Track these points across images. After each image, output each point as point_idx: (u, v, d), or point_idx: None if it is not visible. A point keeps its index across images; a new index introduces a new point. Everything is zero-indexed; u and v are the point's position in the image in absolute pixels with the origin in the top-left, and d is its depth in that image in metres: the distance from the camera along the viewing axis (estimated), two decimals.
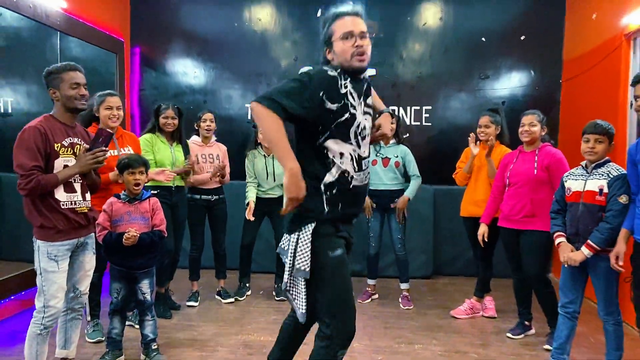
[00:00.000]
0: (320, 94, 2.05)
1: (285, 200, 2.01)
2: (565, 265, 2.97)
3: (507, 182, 3.69)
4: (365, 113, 2.23)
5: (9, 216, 4.21)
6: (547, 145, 3.64)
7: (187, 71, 5.94)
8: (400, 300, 4.48)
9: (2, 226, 4.18)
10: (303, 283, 2.12)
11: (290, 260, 2.12)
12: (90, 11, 4.94)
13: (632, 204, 2.74)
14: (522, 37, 5.58)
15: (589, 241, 2.82)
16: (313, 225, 2.09)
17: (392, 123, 4.33)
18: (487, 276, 4.21)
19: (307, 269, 2.07)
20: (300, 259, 2.09)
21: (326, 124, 2.08)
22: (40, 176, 2.53)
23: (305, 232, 2.09)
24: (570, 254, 2.91)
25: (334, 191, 2.11)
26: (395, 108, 5.69)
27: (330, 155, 2.11)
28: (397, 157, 4.37)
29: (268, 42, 5.87)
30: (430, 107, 5.76)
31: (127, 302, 3.15)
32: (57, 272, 2.64)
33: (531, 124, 3.60)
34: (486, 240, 3.83)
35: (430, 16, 5.74)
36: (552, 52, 5.57)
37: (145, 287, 3.14)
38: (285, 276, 2.17)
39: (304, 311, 2.13)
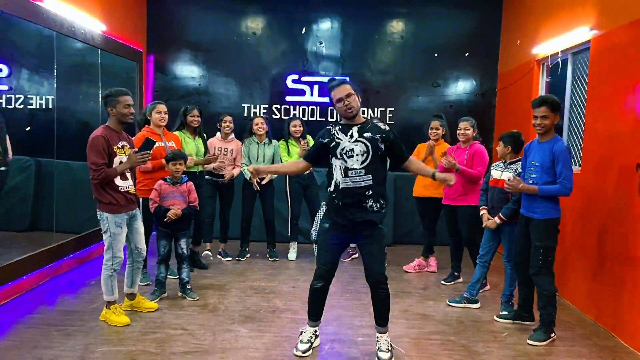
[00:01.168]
0: (320, 139, 3.43)
1: None
2: (483, 225, 4.34)
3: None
4: (356, 141, 3.28)
5: (62, 196, 5.42)
6: (476, 142, 5.00)
7: (194, 76, 7.16)
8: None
9: (59, 204, 5.39)
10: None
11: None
12: (119, 29, 6.12)
13: None
14: (467, 54, 6.97)
15: (500, 214, 4.20)
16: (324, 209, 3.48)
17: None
18: (431, 242, 5.60)
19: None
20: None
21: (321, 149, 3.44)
22: (107, 170, 3.76)
23: (321, 212, 3.47)
24: (488, 222, 4.30)
25: (332, 190, 3.39)
26: (366, 109, 7.02)
27: (332, 168, 3.38)
28: None
29: (261, 52, 7.12)
30: (393, 109, 7.12)
31: (169, 254, 4.44)
32: (121, 234, 3.88)
33: (466, 128, 4.96)
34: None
35: (394, 34, 7.06)
36: (489, 66, 6.98)
37: (183, 244, 4.44)
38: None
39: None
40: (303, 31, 7.04)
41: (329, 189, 3.38)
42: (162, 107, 4.76)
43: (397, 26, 7.07)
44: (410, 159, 3.47)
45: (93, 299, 4.35)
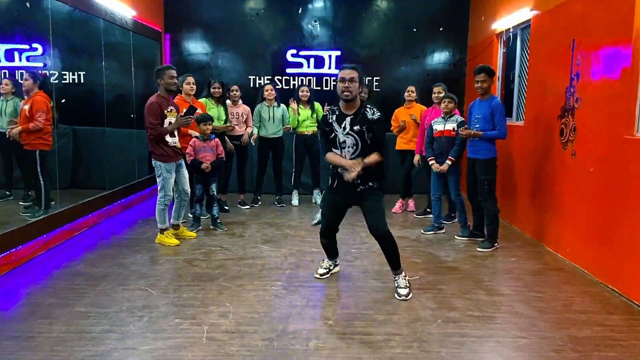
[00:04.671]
0: (324, 127, 3.80)
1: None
2: (437, 171, 5.54)
3: (425, 127, 6.21)
4: (347, 134, 3.67)
5: (82, 163, 6.57)
6: None
7: (205, 51, 8.27)
8: None
9: (91, 166, 6.56)
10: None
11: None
12: (145, 12, 7.20)
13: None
14: (441, 29, 8.12)
15: (450, 157, 5.42)
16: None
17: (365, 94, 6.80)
18: (408, 185, 6.83)
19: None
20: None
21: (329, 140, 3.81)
22: (160, 128, 4.93)
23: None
24: (442, 167, 5.48)
25: (331, 167, 3.89)
26: None
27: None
28: None
29: (263, 30, 8.22)
30: (379, 78, 8.29)
31: (203, 195, 5.66)
32: (171, 177, 5.08)
33: (439, 92, 6.12)
34: (418, 164, 6.37)
35: (379, 12, 8.19)
36: (460, 39, 8.15)
37: (214, 187, 5.66)
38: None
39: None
40: (300, 11, 8.14)
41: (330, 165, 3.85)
42: (191, 79, 5.90)
43: (381, 5, 8.18)
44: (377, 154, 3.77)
45: (145, 231, 5.59)
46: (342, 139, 3.70)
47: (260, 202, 7.13)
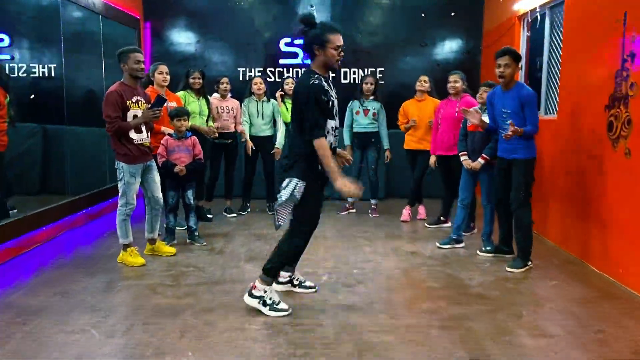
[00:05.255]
0: (323, 98, 3.07)
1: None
2: (468, 168, 4.64)
3: (439, 122, 5.34)
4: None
5: (70, 159, 5.73)
6: (466, 95, 5.30)
7: (190, 41, 7.41)
8: (369, 211, 6.16)
9: (66, 167, 5.70)
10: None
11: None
12: None
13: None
14: (452, 14, 7.24)
15: (483, 154, 4.53)
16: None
17: (371, 83, 5.97)
18: (419, 190, 5.96)
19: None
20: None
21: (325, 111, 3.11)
22: (120, 122, 4.08)
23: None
24: (473, 164, 4.58)
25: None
26: (357, 70, 7.31)
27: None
28: (374, 109, 6.02)
29: (254, 17, 7.36)
30: (383, 69, 7.41)
31: (178, 204, 4.79)
32: (134, 183, 4.22)
33: (455, 80, 5.23)
34: (434, 166, 5.48)
35: None
36: (475, 25, 7.26)
37: (190, 195, 4.79)
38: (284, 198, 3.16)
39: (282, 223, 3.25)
40: None
41: (313, 163, 3.14)
42: (164, 68, 5.05)
43: None
44: None
45: (110, 246, 4.72)
46: (336, 104, 3.24)
47: (249, 209, 6.28)
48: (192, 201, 4.82)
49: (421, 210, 6.06)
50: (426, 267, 4.23)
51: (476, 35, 7.28)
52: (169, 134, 4.73)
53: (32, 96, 5.96)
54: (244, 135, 5.89)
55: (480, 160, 4.54)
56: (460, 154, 4.78)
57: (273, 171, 6.15)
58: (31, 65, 5.92)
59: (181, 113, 4.67)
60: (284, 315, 3.18)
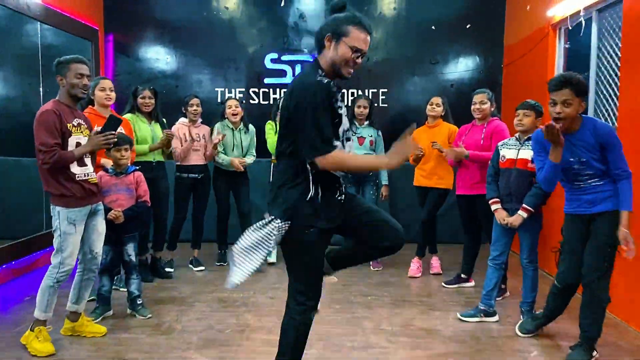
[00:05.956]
0: (332, 102, 2.17)
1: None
2: (503, 224, 3.47)
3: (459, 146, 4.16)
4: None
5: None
6: (495, 119, 4.16)
7: (160, 57, 6.31)
8: (370, 262, 4.92)
9: None
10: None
11: None
12: (66, 1, 5.26)
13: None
14: (468, 26, 6.15)
15: (525, 205, 3.35)
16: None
17: (364, 107, 4.87)
18: (431, 236, 4.77)
19: None
20: None
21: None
22: (60, 152, 2.95)
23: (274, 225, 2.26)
24: (510, 219, 3.40)
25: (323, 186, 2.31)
26: (356, 91, 6.20)
27: None
28: (371, 136, 4.90)
29: (235, 29, 6.28)
30: (386, 90, 6.29)
31: (114, 263, 3.60)
32: (75, 234, 3.06)
33: (482, 102, 4.10)
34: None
35: (385, 6, 6.24)
36: (494, 39, 6.16)
37: (131, 250, 3.60)
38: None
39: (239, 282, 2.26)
40: (282, 3, 6.20)
41: (309, 191, 2.20)
42: (107, 83, 3.92)
43: None
44: None
45: (22, 319, 3.50)
46: (346, 126, 2.26)
47: (227, 262, 5.06)
48: (133, 258, 3.62)
49: (434, 262, 4.86)
50: (451, 358, 3.01)
51: (496, 50, 6.17)
52: (105, 169, 3.57)
53: None
54: (233, 163, 4.71)
55: (522, 214, 3.36)
56: (490, 202, 3.60)
57: (249, 211, 4.96)
58: None
59: (121, 141, 3.51)
60: None
